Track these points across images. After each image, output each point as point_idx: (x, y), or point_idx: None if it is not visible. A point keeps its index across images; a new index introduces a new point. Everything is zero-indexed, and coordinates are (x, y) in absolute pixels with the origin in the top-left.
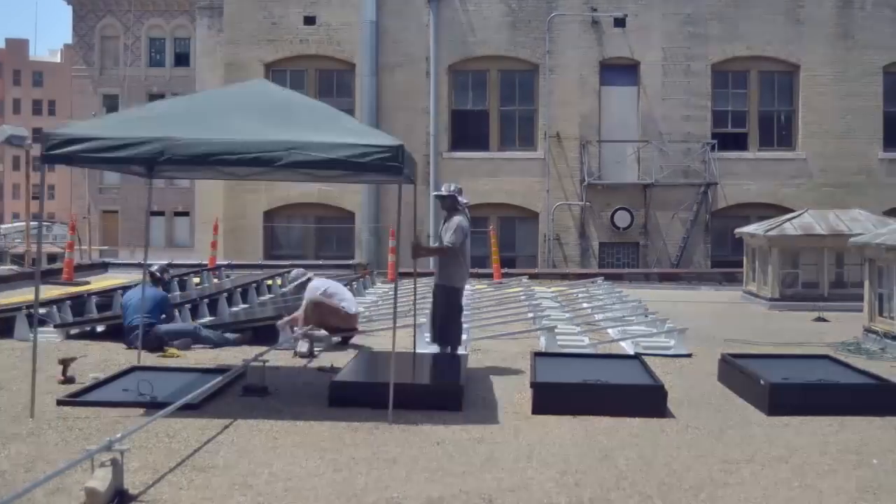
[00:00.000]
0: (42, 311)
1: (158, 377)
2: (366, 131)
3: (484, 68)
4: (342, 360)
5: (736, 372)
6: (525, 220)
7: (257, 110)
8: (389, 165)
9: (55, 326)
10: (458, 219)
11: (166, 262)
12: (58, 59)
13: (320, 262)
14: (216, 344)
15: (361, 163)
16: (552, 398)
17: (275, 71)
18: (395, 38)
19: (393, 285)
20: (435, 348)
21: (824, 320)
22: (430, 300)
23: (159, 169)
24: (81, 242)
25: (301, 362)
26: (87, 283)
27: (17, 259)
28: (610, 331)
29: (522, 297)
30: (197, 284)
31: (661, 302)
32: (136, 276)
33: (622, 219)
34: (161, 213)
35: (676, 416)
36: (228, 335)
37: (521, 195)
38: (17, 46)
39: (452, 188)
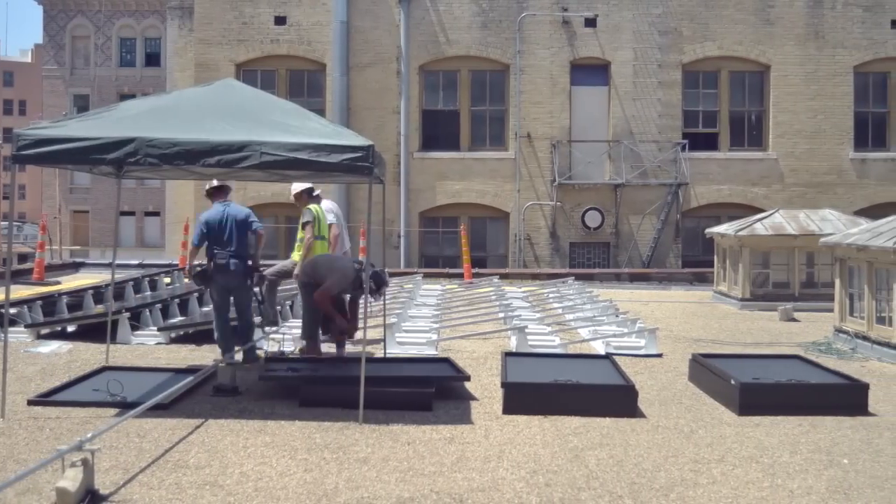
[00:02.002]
0: (13, 311)
1: (129, 377)
2: (336, 132)
3: (455, 68)
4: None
5: (707, 372)
6: (496, 220)
7: (227, 110)
8: (360, 166)
9: (26, 326)
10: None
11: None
12: (28, 58)
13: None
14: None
15: (331, 163)
16: (523, 398)
17: (246, 71)
18: (365, 38)
19: None
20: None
21: (794, 321)
22: (404, 300)
23: (128, 169)
24: (52, 242)
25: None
26: (58, 283)
27: None
28: (581, 331)
29: (493, 297)
30: (168, 284)
31: (632, 302)
32: (107, 276)
33: (593, 219)
34: (132, 213)
35: (647, 416)
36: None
37: (492, 195)
38: None
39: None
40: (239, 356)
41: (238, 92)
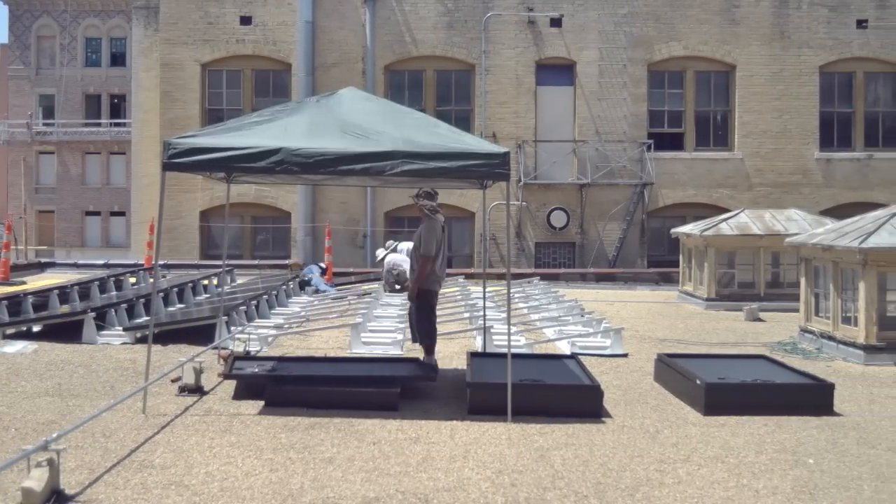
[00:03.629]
0: None
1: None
2: (466, 139)
3: (420, 68)
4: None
5: (672, 372)
6: (461, 220)
7: (361, 119)
8: (497, 172)
9: None
10: (422, 226)
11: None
12: None
13: (256, 261)
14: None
15: (469, 170)
16: (488, 398)
17: (211, 71)
18: (331, 38)
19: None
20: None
21: (759, 320)
22: (372, 300)
23: (237, 175)
24: (17, 242)
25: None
26: (24, 282)
27: None
28: (546, 331)
29: (458, 297)
30: (133, 284)
31: (598, 302)
32: (72, 275)
33: (558, 219)
34: (97, 214)
35: (613, 416)
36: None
37: (458, 195)
38: None
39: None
40: (205, 356)
41: (366, 101)
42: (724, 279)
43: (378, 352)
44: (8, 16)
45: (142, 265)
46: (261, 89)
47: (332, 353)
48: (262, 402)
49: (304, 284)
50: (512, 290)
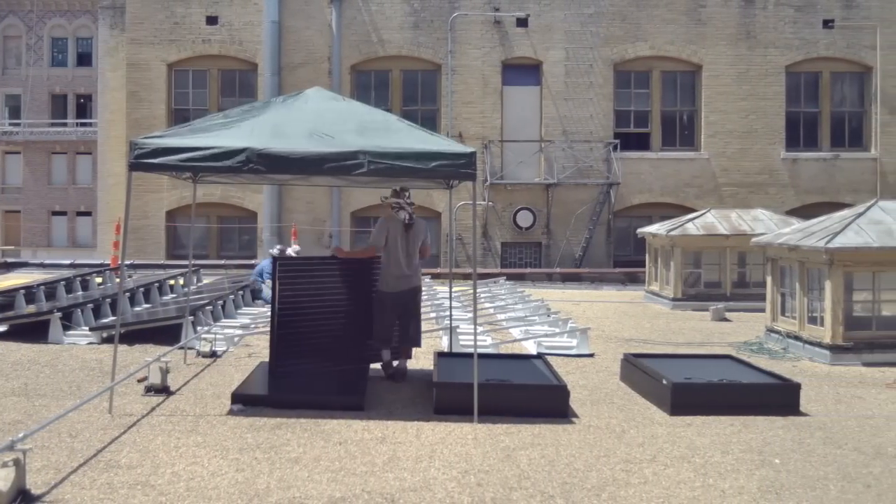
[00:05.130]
0: None
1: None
2: (435, 138)
3: (386, 68)
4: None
5: (638, 372)
6: (428, 220)
7: (327, 119)
8: (463, 172)
9: None
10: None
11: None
12: None
13: (223, 261)
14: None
15: (436, 169)
16: (454, 398)
17: (177, 71)
18: (297, 38)
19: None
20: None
21: (726, 320)
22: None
23: (203, 175)
24: None
25: (205, 362)
26: None
27: None
28: (513, 330)
29: (425, 297)
30: (100, 284)
31: (564, 302)
32: (39, 275)
33: (525, 218)
34: (63, 214)
35: (579, 416)
36: None
37: (424, 194)
38: None
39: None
40: (171, 356)
41: (332, 101)
42: (691, 279)
43: None
44: None
45: (108, 265)
46: (227, 89)
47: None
48: (228, 402)
49: (255, 295)
50: (478, 290)
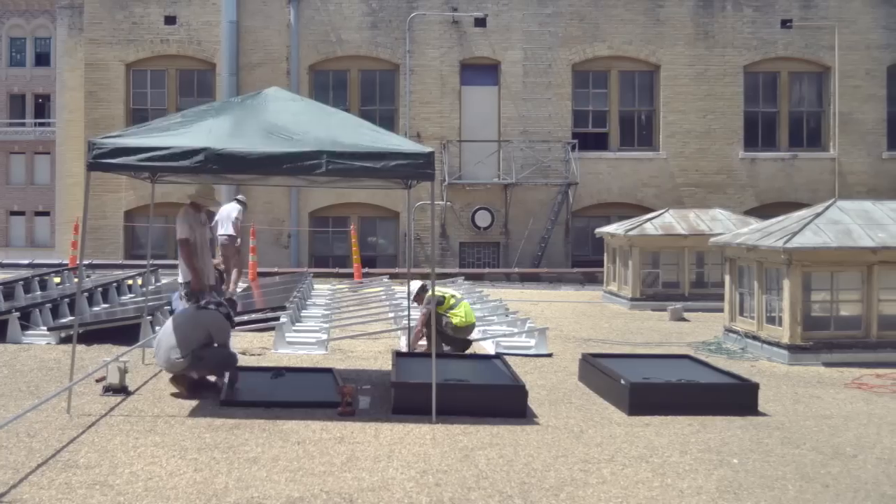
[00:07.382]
0: None
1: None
2: (392, 139)
3: (345, 68)
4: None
5: (597, 371)
6: (386, 220)
7: (287, 120)
8: (422, 172)
9: None
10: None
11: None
12: None
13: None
14: None
15: (395, 170)
16: (413, 398)
17: (136, 71)
18: (255, 38)
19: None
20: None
21: (684, 320)
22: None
23: (161, 175)
24: None
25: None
26: None
27: None
28: None
29: (383, 297)
30: (58, 284)
31: (522, 302)
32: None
33: (483, 218)
34: (22, 213)
35: (537, 416)
36: None
37: (382, 195)
38: None
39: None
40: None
41: (291, 101)
42: (649, 279)
43: (302, 352)
44: None
45: (66, 265)
46: (185, 89)
47: (255, 354)
48: (186, 403)
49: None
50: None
